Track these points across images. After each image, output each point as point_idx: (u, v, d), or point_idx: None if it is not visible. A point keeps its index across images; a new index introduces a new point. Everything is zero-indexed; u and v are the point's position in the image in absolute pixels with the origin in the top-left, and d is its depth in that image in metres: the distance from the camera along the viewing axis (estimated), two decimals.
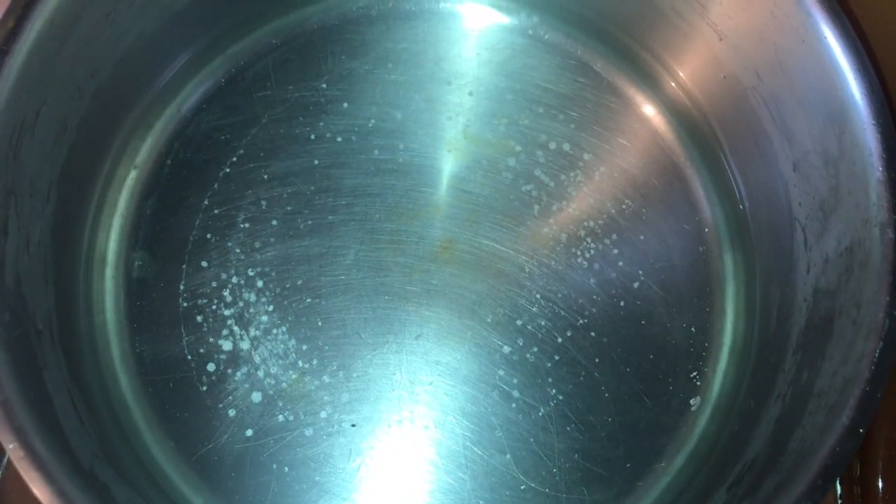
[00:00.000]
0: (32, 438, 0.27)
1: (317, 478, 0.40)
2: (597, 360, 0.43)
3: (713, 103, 0.44)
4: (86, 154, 0.39)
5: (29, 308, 0.32)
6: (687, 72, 0.45)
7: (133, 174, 0.44)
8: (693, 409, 0.43)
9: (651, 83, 0.46)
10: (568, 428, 0.42)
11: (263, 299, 0.43)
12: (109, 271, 0.42)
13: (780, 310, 0.40)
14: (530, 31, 0.47)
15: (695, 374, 0.43)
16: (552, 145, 0.46)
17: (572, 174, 0.46)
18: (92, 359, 0.40)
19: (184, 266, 0.43)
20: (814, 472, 0.29)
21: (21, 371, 0.29)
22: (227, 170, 0.44)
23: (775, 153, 0.40)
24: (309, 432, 0.41)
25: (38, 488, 0.26)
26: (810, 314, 0.37)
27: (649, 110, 0.47)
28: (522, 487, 0.41)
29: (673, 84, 0.46)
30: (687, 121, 0.46)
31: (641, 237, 0.45)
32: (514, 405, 0.42)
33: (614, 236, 0.45)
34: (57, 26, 0.33)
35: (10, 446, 0.26)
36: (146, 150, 0.44)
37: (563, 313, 0.44)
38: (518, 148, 0.46)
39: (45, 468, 0.27)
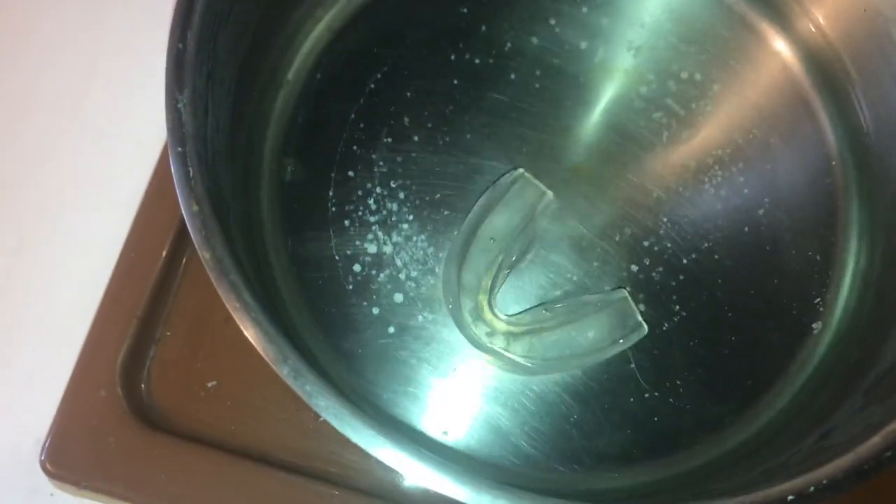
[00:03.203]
0: (243, 292, 0.30)
1: (452, 372, 0.42)
2: (720, 281, 0.45)
3: (847, 38, 0.45)
4: (255, 56, 0.41)
5: (222, 185, 0.35)
6: (823, 7, 0.46)
7: (287, 83, 0.46)
8: (815, 332, 0.44)
9: (784, 18, 0.48)
10: (691, 343, 0.44)
11: (405, 209, 0.45)
12: (265, 173, 0.45)
13: None
14: None
15: (818, 299, 0.45)
16: (684, 75, 0.47)
17: (702, 104, 0.47)
18: (250, 251, 0.42)
19: (332, 174, 0.45)
20: None
21: (223, 234, 0.31)
22: (373, 86, 0.47)
23: None
24: (445, 332, 0.43)
25: (250, 332, 0.29)
26: None
27: (780, 44, 0.48)
28: (646, 395, 0.43)
29: (806, 20, 0.47)
30: (817, 56, 0.47)
31: (768, 166, 0.46)
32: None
33: (741, 165, 0.46)
34: None
35: (227, 296, 0.29)
36: (299, 60, 0.47)
37: (688, 236, 0.45)
38: (651, 76, 0.47)
39: (257, 318, 0.29)
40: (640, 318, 0.42)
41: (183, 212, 0.30)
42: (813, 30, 0.47)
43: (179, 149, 0.30)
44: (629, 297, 0.42)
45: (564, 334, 0.41)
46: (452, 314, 0.42)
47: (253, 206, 0.43)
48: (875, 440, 0.30)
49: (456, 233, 0.44)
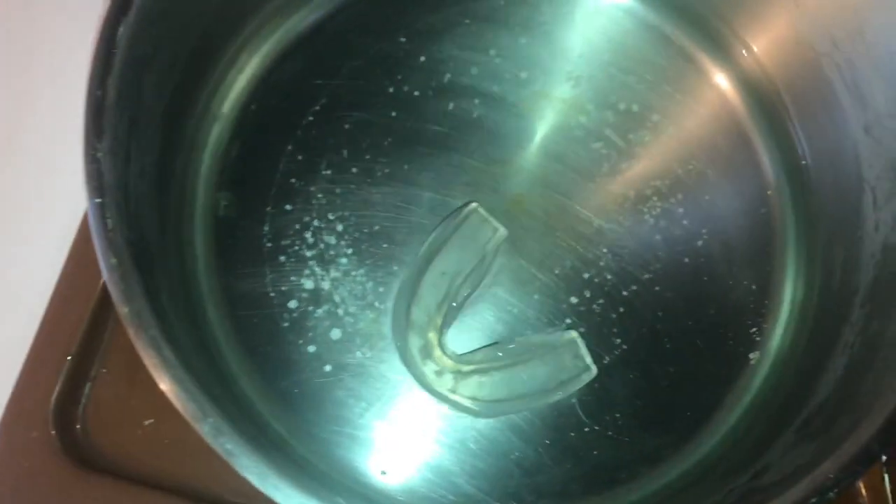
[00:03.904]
0: (162, 347, 0.29)
1: (392, 410, 0.42)
2: (660, 313, 0.45)
3: (783, 70, 0.46)
4: (184, 93, 0.41)
5: (144, 233, 0.34)
6: (759, 39, 0.46)
7: (221, 117, 0.45)
8: (752, 363, 0.44)
9: (721, 50, 0.48)
10: (631, 376, 0.44)
11: (343, 243, 0.44)
12: (199, 209, 0.44)
13: (844, 267, 0.41)
14: None
15: (754, 329, 0.45)
16: (622, 105, 0.47)
17: (641, 134, 0.47)
18: (184, 291, 0.41)
19: (268, 208, 0.44)
20: (892, 405, 0.31)
21: (147, 285, 0.31)
22: (310, 118, 0.46)
23: (845, 118, 0.41)
24: (384, 369, 0.43)
25: (168, 389, 0.28)
26: (879, 270, 0.38)
27: (717, 75, 0.48)
28: (586, 429, 0.43)
29: (743, 51, 0.47)
30: (754, 86, 0.47)
31: (706, 197, 0.46)
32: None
33: (680, 195, 0.46)
34: None
35: (145, 352, 0.28)
36: (234, 93, 0.46)
37: (629, 268, 0.45)
38: (590, 107, 0.47)
39: (176, 374, 0.29)
40: (589, 360, 0.42)
41: (101, 265, 0.29)
42: (751, 62, 0.47)
43: (98, 200, 0.30)
44: (579, 339, 0.42)
45: (514, 375, 0.41)
46: (400, 352, 0.41)
47: (186, 246, 0.42)
48: (802, 484, 0.30)
49: (396, 267, 0.44)
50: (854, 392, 0.35)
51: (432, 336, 0.41)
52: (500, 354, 0.42)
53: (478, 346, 0.43)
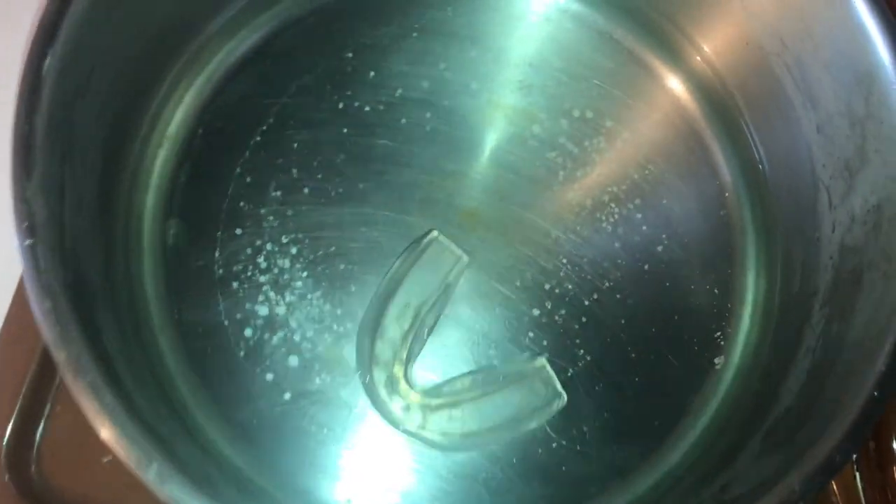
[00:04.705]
0: (103, 393, 0.28)
1: (354, 436, 0.41)
2: (623, 321, 0.44)
3: (734, 71, 0.45)
4: (125, 120, 0.39)
5: (83, 272, 0.33)
6: (709, 41, 0.46)
7: (166, 142, 0.44)
8: (717, 367, 0.44)
9: (672, 52, 0.47)
10: (596, 388, 0.43)
11: (298, 266, 0.43)
12: (146, 238, 0.43)
13: (804, 268, 0.41)
14: (555, 2, 0.48)
15: (718, 333, 0.44)
16: (576, 113, 0.47)
17: (595, 141, 0.47)
18: (133, 324, 0.40)
19: (218, 233, 0.43)
20: (854, 413, 0.31)
21: (87, 332, 0.29)
22: (258, 138, 0.45)
23: (797, 117, 0.41)
24: (345, 394, 0.42)
25: (108, 435, 0.27)
26: (837, 270, 0.38)
27: (669, 78, 0.48)
28: (554, 445, 0.42)
29: (694, 53, 0.47)
30: (707, 88, 0.47)
31: (664, 201, 0.46)
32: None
33: (637, 201, 0.46)
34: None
35: (84, 399, 0.27)
36: (178, 118, 0.45)
37: (589, 277, 0.45)
38: (542, 115, 0.47)
39: (118, 419, 0.27)
40: (559, 387, 0.41)
41: (34, 310, 0.28)
42: (702, 64, 0.47)
43: (28, 242, 0.28)
44: (548, 366, 0.41)
45: (484, 405, 0.40)
46: (366, 389, 0.40)
47: (134, 279, 0.41)
48: (768, 498, 0.30)
49: (354, 287, 0.43)
50: (817, 398, 0.35)
51: (398, 370, 0.40)
52: (469, 385, 0.41)
53: (441, 368, 0.42)
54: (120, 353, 0.34)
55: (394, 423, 0.40)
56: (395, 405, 0.40)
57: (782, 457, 0.33)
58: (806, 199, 0.41)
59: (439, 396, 0.40)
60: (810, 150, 0.40)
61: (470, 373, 0.42)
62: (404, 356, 0.40)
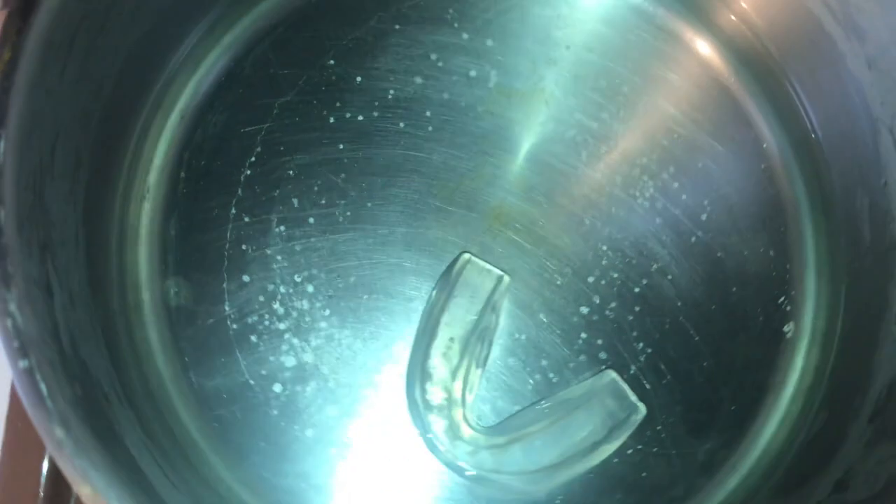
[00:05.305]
0: None
1: (419, 489, 0.37)
2: (679, 304, 0.40)
3: (762, 14, 0.41)
4: (103, 184, 0.35)
5: (91, 372, 0.29)
6: None
7: (148, 195, 0.40)
8: (789, 335, 0.40)
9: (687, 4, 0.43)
10: (663, 381, 0.40)
11: (318, 304, 0.39)
12: (147, 306, 0.38)
13: (872, 220, 0.37)
14: None
15: (783, 299, 0.41)
16: (587, 85, 0.42)
17: (614, 111, 0.42)
18: (152, 406, 0.36)
19: (224, 285, 0.39)
20: None
21: (106, 444, 0.25)
22: (248, 172, 0.40)
23: (841, 54, 0.37)
24: (398, 439, 0.38)
25: None
26: None
27: (686, 32, 0.43)
28: (629, 452, 0.39)
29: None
30: (732, 38, 0.43)
31: (699, 165, 0.42)
32: (604, 367, 0.39)
33: (671, 169, 0.42)
34: (56, 47, 0.28)
35: None
36: (157, 165, 0.40)
37: (634, 261, 0.41)
38: (554, 92, 0.42)
39: None
40: (634, 398, 0.37)
41: (44, 441, 0.24)
42: (725, 13, 0.42)
43: (24, 364, 0.24)
44: (617, 378, 0.38)
45: (556, 435, 0.36)
46: (426, 442, 0.36)
47: (143, 356, 0.37)
48: None
49: (384, 318, 0.39)
50: None
51: (456, 413, 0.36)
52: (536, 416, 0.37)
53: (493, 395, 0.38)
54: (148, 453, 0.30)
55: (461, 470, 0.36)
56: (461, 451, 0.36)
57: None
58: (864, 142, 0.37)
59: (506, 433, 0.36)
60: (862, 89, 0.36)
61: (533, 403, 0.38)
62: (460, 397, 0.36)
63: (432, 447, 0.36)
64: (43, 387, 0.24)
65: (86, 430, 0.25)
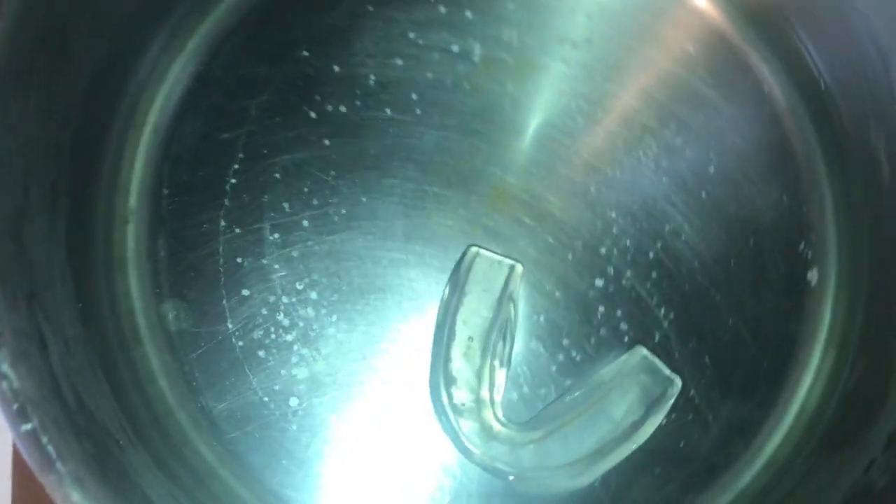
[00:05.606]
0: None
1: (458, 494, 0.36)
2: (696, 263, 0.39)
3: None
4: (83, 213, 0.33)
5: (98, 421, 0.27)
6: None
7: (132, 217, 0.37)
8: (813, 283, 0.39)
9: None
10: (689, 345, 0.38)
11: (323, 311, 0.38)
12: (146, 335, 0.36)
13: (889, 152, 0.36)
14: None
15: (802, 245, 0.40)
16: (576, 44, 0.40)
17: (605, 71, 0.40)
18: (165, 442, 0.34)
19: (224, 302, 0.37)
20: None
21: (124, 493, 0.24)
22: (233, 181, 0.38)
23: None
24: (429, 443, 0.36)
25: None
26: None
27: None
28: (664, 423, 0.37)
29: None
30: None
31: (701, 117, 0.40)
32: (626, 339, 0.38)
33: (672, 125, 0.40)
34: (14, 77, 0.26)
35: None
36: (136, 185, 0.38)
37: (645, 225, 0.39)
38: (541, 59, 0.40)
39: None
40: (667, 371, 0.35)
41: None
42: None
43: (26, 427, 0.22)
44: (647, 353, 0.36)
45: (592, 420, 0.35)
46: (458, 447, 0.35)
47: (148, 388, 0.35)
48: None
49: (394, 320, 0.38)
50: None
51: (486, 414, 0.34)
52: (569, 405, 0.35)
53: (518, 384, 0.37)
54: (166, 493, 0.29)
55: (502, 474, 0.34)
56: (497, 451, 0.34)
57: None
58: (875, 78, 0.35)
59: (542, 427, 0.35)
60: (869, 20, 0.34)
61: (565, 393, 0.36)
62: (488, 397, 0.34)
63: (466, 452, 0.34)
64: (51, 449, 0.22)
65: (101, 486, 0.23)
